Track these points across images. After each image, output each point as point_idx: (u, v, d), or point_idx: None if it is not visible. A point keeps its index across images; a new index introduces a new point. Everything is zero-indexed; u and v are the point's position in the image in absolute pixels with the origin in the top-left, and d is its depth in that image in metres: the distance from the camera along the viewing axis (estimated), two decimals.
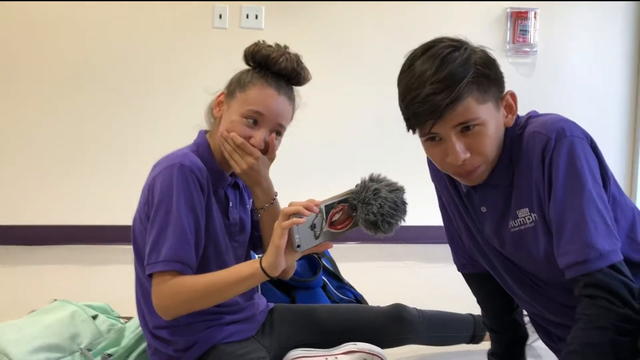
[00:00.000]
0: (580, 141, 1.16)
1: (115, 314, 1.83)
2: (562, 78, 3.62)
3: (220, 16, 3.36)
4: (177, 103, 3.32)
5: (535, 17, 3.52)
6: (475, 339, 1.85)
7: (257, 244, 1.61)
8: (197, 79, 3.24)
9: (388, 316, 1.71)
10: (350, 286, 2.11)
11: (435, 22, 3.44)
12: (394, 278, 2.84)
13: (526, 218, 1.24)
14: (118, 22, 3.31)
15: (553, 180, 1.16)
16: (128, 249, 1.49)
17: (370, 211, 1.28)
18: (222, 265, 1.43)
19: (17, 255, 3.11)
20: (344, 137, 3.50)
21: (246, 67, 1.47)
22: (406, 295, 1.92)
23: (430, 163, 1.38)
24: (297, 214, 1.25)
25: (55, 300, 1.78)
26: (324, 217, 1.28)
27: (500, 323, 1.52)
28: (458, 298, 1.83)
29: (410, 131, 1.21)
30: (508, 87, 1.25)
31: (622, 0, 3.62)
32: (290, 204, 1.27)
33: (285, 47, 1.46)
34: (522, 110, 1.29)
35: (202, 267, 1.39)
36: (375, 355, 1.60)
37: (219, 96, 1.48)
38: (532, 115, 1.28)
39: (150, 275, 1.34)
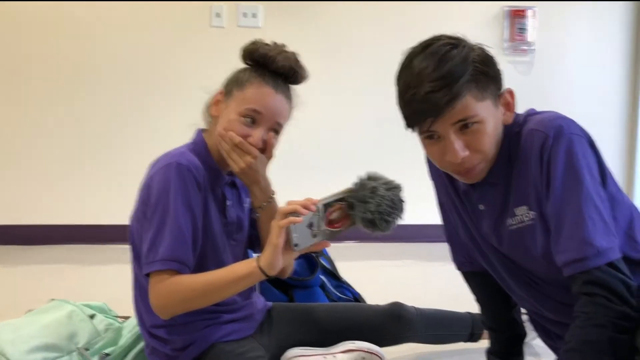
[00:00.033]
0: (578, 139, 1.16)
1: (112, 314, 1.82)
2: (560, 76, 3.62)
3: (218, 15, 3.35)
4: (175, 102, 3.31)
5: (533, 16, 3.52)
6: (473, 337, 1.85)
7: (254, 242, 1.60)
8: (194, 77, 3.24)
9: (386, 315, 1.71)
10: (349, 285, 2.11)
11: (434, 21, 3.43)
12: (392, 277, 2.83)
13: (524, 216, 1.24)
14: (116, 21, 3.31)
15: (551, 178, 1.16)
16: (125, 249, 1.49)
17: (367, 209, 1.28)
18: (220, 264, 1.42)
19: (14, 255, 3.11)
20: (342, 135, 3.50)
21: (243, 65, 1.47)
22: (404, 294, 1.92)
23: (428, 161, 1.38)
24: (294, 213, 1.24)
25: (53, 299, 1.78)
26: (322, 215, 1.28)
27: (498, 321, 1.52)
28: (456, 296, 1.83)
29: (409, 129, 1.21)
30: (506, 85, 1.25)
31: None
32: (288, 203, 1.27)
33: (283, 45, 1.46)
34: (520, 109, 1.29)
35: (200, 266, 1.39)
36: (374, 353, 1.60)
37: (216, 95, 1.48)
38: (531, 113, 1.28)
39: (148, 275, 1.33)
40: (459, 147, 1.17)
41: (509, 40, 3.52)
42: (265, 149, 1.43)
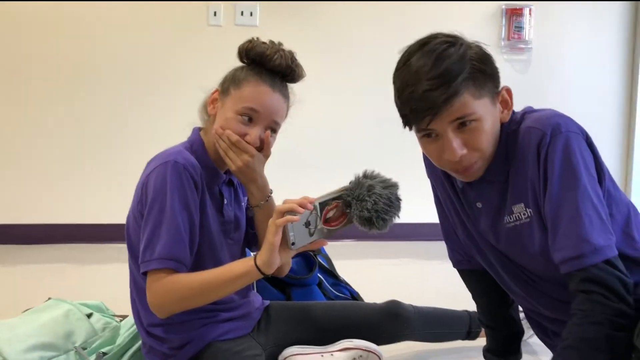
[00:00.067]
0: (575, 136, 1.16)
1: (110, 313, 1.82)
2: (557, 74, 3.63)
3: (215, 14, 3.35)
4: (172, 101, 3.31)
5: (530, 14, 3.52)
6: (470, 335, 1.85)
7: (252, 241, 1.60)
8: (192, 76, 3.24)
9: (384, 313, 1.71)
10: (346, 283, 2.11)
11: (432, 20, 3.42)
12: (389, 275, 2.83)
13: (521, 213, 1.24)
14: (113, 21, 3.30)
15: (548, 176, 1.16)
16: (123, 248, 1.48)
17: (364, 208, 1.28)
18: (217, 262, 1.42)
19: (13, 255, 3.10)
20: (338, 134, 3.50)
21: (240, 64, 1.47)
22: (402, 292, 1.92)
23: (426, 159, 1.38)
24: (291, 212, 1.24)
25: (50, 299, 1.78)
26: (319, 214, 1.28)
27: (495, 319, 1.52)
28: (454, 294, 1.84)
29: (407, 128, 1.21)
30: (503, 83, 1.25)
31: None
32: (285, 202, 1.27)
33: (280, 43, 1.46)
34: (517, 107, 1.29)
35: (197, 265, 1.39)
36: (371, 352, 1.60)
37: (213, 93, 1.47)
38: (528, 111, 1.28)
39: (145, 273, 1.33)
40: (457, 145, 1.17)
41: (506, 39, 3.52)
42: (263, 148, 1.43)
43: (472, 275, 1.51)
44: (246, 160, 1.40)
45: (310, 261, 2.00)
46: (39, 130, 3.31)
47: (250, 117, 1.40)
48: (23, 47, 3.26)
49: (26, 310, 1.76)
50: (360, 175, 1.32)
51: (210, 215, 1.44)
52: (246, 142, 1.39)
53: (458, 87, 1.13)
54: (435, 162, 1.25)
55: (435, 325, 1.80)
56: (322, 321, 1.66)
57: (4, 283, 2.61)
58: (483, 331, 1.72)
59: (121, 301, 1.69)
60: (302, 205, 1.25)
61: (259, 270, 1.29)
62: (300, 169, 3.38)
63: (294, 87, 1.49)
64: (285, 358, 1.56)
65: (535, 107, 1.29)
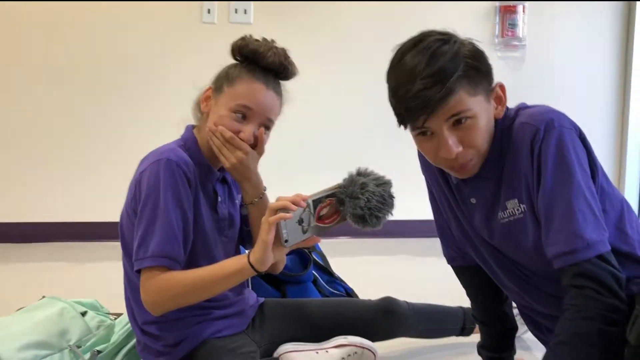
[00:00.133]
0: (569, 132, 1.17)
1: (104, 311, 1.82)
2: (551, 71, 3.63)
3: (209, 11, 3.34)
4: (166, 98, 3.30)
5: (523, 11, 3.52)
6: (465, 332, 1.86)
7: (246, 238, 1.60)
8: (185, 74, 3.22)
9: (378, 310, 1.72)
10: (341, 280, 2.11)
11: (426, 17, 3.42)
12: (384, 272, 2.84)
13: (515, 209, 1.24)
14: (107, 18, 3.29)
15: (542, 171, 1.16)
16: (117, 245, 1.48)
17: (357, 205, 1.28)
18: (211, 260, 1.42)
19: (5, 253, 3.09)
20: (329, 131, 3.49)
21: (233, 62, 1.47)
22: (396, 289, 1.93)
23: (420, 156, 1.38)
24: (284, 209, 1.24)
25: (44, 297, 1.77)
26: (312, 211, 1.28)
27: (489, 315, 1.52)
28: (448, 291, 1.84)
29: (401, 126, 1.21)
30: (497, 80, 1.25)
31: None
32: (278, 199, 1.27)
33: (272, 41, 1.46)
34: (511, 104, 1.29)
35: (191, 262, 1.39)
36: (366, 348, 1.61)
37: (206, 91, 1.47)
38: (522, 107, 1.28)
39: (139, 271, 1.33)
40: (452, 143, 1.17)
41: (500, 36, 3.53)
42: (256, 145, 1.43)
43: (466, 272, 1.52)
44: (240, 157, 1.39)
45: (305, 258, 2.00)
46: (32, 128, 3.29)
47: (244, 114, 1.40)
48: (18, 44, 3.24)
49: (20, 308, 1.75)
50: (354, 172, 1.32)
51: (204, 212, 1.44)
52: (240, 139, 1.39)
53: (453, 85, 1.13)
54: (430, 160, 1.25)
55: (429, 321, 1.80)
56: (317, 318, 1.66)
57: None
58: (477, 327, 1.73)
59: (115, 299, 1.69)
60: (295, 203, 1.25)
61: (253, 267, 1.29)
62: (292, 166, 3.38)
63: (287, 85, 1.49)
64: (280, 355, 1.56)
65: (529, 103, 1.30)
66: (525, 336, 1.88)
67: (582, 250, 1.11)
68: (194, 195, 1.39)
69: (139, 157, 1.43)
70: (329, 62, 3.44)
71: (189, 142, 1.45)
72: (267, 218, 1.25)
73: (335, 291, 2.05)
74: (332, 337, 1.62)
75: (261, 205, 1.47)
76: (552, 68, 3.63)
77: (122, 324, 1.68)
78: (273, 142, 1.52)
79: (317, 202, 1.29)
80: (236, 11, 3.35)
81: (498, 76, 1.25)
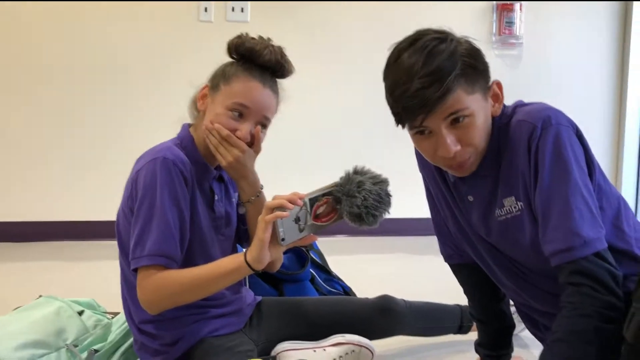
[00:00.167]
0: (566, 129, 1.17)
1: (101, 310, 1.81)
2: (548, 69, 3.64)
3: (206, 9, 3.34)
4: (162, 97, 3.30)
5: (521, 10, 3.53)
6: (462, 330, 1.86)
7: (243, 237, 1.60)
8: (183, 72, 3.22)
9: (376, 308, 1.71)
10: (339, 278, 2.11)
11: (423, 15, 3.43)
12: (381, 270, 2.84)
13: (512, 206, 1.24)
14: (103, 16, 3.28)
15: (539, 168, 1.16)
16: (113, 244, 1.48)
17: (354, 204, 1.28)
18: (208, 259, 1.41)
19: (2, 252, 3.09)
20: (326, 129, 3.49)
21: (230, 60, 1.46)
22: (394, 287, 1.93)
23: (417, 153, 1.38)
24: (281, 208, 1.24)
25: (41, 296, 1.77)
26: (308, 210, 1.28)
27: (487, 313, 1.52)
28: (445, 289, 1.84)
29: (399, 125, 1.21)
30: (494, 78, 1.25)
31: None
32: (274, 198, 1.26)
33: (269, 39, 1.45)
34: (508, 102, 1.29)
35: (188, 261, 1.38)
36: (363, 346, 1.60)
37: (202, 89, 1.47)
38: (519, 105, 1.28)
39: (135, 270, 1.33)
40: (451, 141, 1.17)
41: (497, 34, 3.53)
42: (253, 143, 1.43)
43: (463, 270, 1.52)
44: (237, 156, 1.39)
45: (303, 257, 1.99)
46: (30, 128, 3.29)
47: (240, 112, 1.40)
48: (18, 44, 3.24)
49: (17, 308, 1.75)
50: (351, 171, 1.32)
51: (201, 211, 1.43)
52: (237, 137, 1.39)
53: (451, 84, 1.13)
54: (428, 159, 1.25)
55: (427, 319, 1.80)
56: (315, 316, 1.66)
57: None
58: (474, 325, 1.73)
59: (113, 298, 1.69)
60: (291, 201, 1.25)
61: (249, 266, 1.29)
62: (290, 164, 3.38)
63: (283, 83, 1.49)
64: (278, 353, 1.56)
65: (526, 101, 1.30)
66: (522, 334, 1.88)
67: (579, 247, 1.11)
68: (190, 194, 1.39)
69: (135, 156, 1.43)
70: (325, 60, 3.44)
71: (186, 140, 1.45)
72: (263, 216, 1.25)
73: (333, 289, 2.05)
74: (329, 336, 1.62)
75: (258, 204, 1.46)
76: (549, 66, 3.64)
77: (119, 323, 1.67)
78: (270, 140, 1.52)
79: (313, 200, 1.29)
80: (233, 10, 3.35)
81: (495, 74, 1.25)
